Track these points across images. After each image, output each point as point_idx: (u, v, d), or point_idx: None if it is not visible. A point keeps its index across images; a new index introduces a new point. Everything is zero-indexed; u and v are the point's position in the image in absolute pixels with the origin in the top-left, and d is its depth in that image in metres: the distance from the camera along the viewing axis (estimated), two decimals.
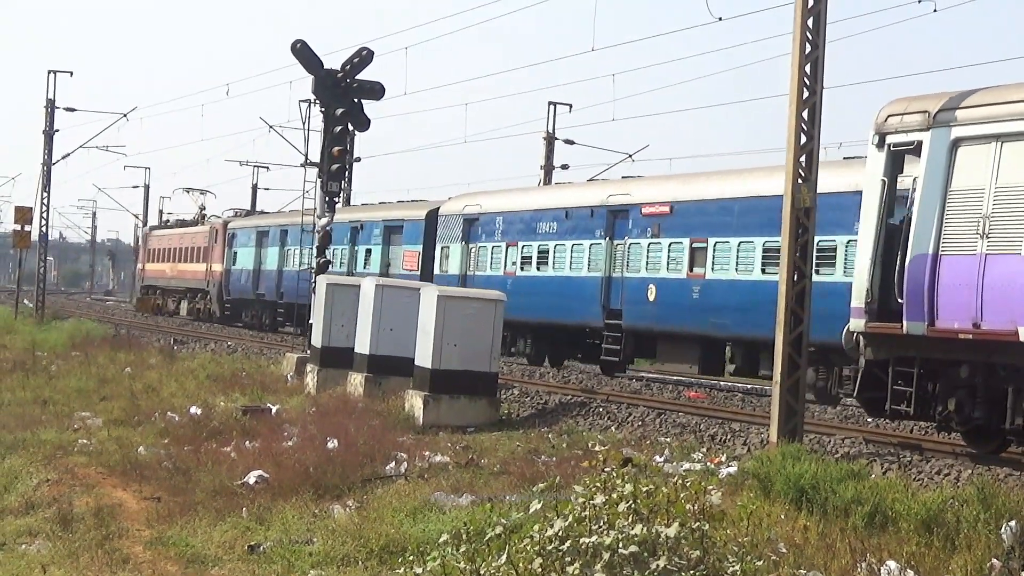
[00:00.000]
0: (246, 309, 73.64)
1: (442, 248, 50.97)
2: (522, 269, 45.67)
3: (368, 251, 57.28)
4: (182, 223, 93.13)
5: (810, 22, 22.35)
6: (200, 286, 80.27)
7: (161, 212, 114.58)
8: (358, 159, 66.12)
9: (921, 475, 19.73)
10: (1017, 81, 22.49)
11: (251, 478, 21.49)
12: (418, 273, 50.66)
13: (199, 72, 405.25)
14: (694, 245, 37.43)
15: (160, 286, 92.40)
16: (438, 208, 52.64)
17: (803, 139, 22.46)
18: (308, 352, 37.26)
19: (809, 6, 22.28)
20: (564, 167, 67.90)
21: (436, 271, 50.29)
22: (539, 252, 44.97)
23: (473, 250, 48.93)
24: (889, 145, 23.56)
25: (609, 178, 51.35)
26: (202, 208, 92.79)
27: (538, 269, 44.89)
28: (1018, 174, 21.24)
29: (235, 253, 74.35)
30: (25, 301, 78.89)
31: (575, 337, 45.07)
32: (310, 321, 37.82)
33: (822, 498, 16.69)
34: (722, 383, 42.04)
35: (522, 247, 45.76)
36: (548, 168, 66.65)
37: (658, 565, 11.72)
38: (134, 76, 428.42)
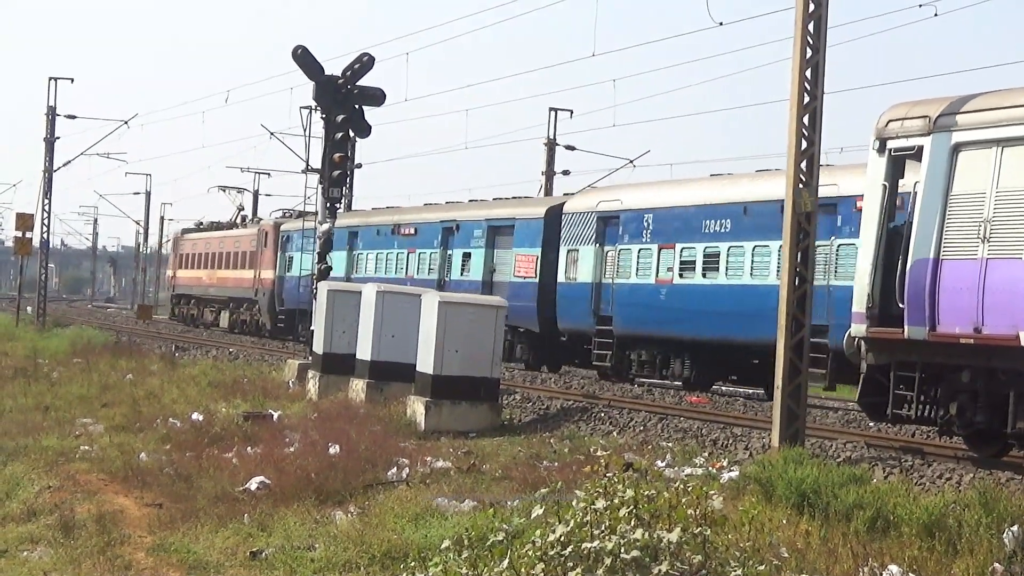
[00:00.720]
0: (305, 321, 54.83)
1: (568, 252, 43.81)
2: (681, 276, 38.64)
3: (466, 255, 50.08)
4: (216, 225, 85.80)
5: (811, 27, 22.35)
6: (245, 295, 72.60)
7: (163, 219, 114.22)
8: (359, 165, 66.10)
9: (923, 479, 19.73)
10: (1018, 86, 22.51)
11: (253, 484, 21.48)
12: (535, 280, 44.72)
13: (200, 79, 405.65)
14: None
15: (195, 295, 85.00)
16: (562, 205, 45.90)
17: (804, 144, 22.46)
18: (310, 358, 37.25)
19: (810, 11, 22.29)
20: (565, 172, 67.91)
21: (561, 278, 43.80)
22: (705, 256, 37.83)
23: (611, 254, 41.68)
24: (890, 150, 23.57)
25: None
26: (240, 208, 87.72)
27: (704, 276, 38.00)
28: (1019, 179, 21.24)
29: (289, 258, 65.82)
30: (27, 308, 78.81)
31: (750, 357, 37.46)
32: (311, 327, 37.83)
33: (824, 503, 16.70)
34: (723, 388, 41.81)
35: (681, 250, 38.82)
36: (549, 174, 66.62)
37: (660, 570, 11.73)
38: (135, 83, 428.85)
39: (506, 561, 12.59)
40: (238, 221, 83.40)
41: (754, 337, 34.15)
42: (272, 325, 67.25)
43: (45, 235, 73.34)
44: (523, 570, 12.30)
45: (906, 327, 22.46)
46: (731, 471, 20.37)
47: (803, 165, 22.45)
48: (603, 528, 12.33)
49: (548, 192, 65.04)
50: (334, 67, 41.12)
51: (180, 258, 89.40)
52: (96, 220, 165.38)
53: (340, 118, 40.54)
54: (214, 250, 79.83)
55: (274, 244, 68.22)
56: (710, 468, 20.94)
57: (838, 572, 14.50)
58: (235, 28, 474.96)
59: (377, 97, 41.41)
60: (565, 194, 49.95)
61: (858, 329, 23.34)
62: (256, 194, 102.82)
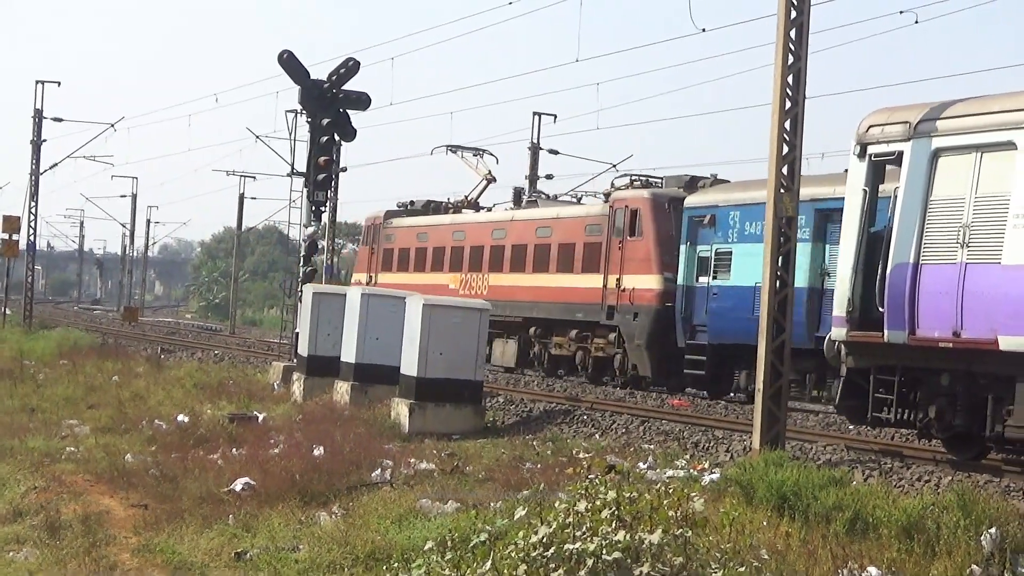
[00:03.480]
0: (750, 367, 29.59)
1: None
2: None
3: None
4: (449, 207, 57.64)
5: (792, 33, 22.38)
6: (577, 314, 44.73)
7: (149, 222, 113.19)
8: (344, 169, 66.08)
9: (902, 482, 19.76)
10: (997, 92, 22.56)
11: (238, 485, 21.49)
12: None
13: (186, 83, 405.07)
14: None
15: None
16: None
17: (785, 149, 22.51)
18: (294, 361, 37.25)
19: (792, 17, 22.33)
20: (549, 176, 67.48)
21: None
22: None
23: None
24: (870, 155, 23.62)
25: None
26: (488, 178, 57.55)
27: None
28: (998, 184, 21.30)
29: (709, 256, 38.85)
30: (11, 310, 78.69)
31: None
32: (295, 330, 37.78)
33: (804, 505, 16.72)
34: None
35: None
36: (533, 178, 66.39)
37: (641, 571, 11.75)
38: (122, 86, 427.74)
39: (489, 562, 12.60)
40: (464, 202, 57.16)
41: None
42: (658, 370, 40.83)
43: (32, 237, 73.16)
44: (506, 571, 12.32)
45: (886, 331, 22.51)
46: (712, 473, 20.39)
47: (784, 170, 22.50)
48: (585, 530, 12.35)
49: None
50: (320, 72, 41.19)
51: (385, 254, 58.25)
52: (82, 223, 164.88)
53: (325, 122, 40.63)
54: (483, 241, 50.86)
55: (657, 231, 41.10)
56: (691, 470, 20.95)
57: (817, 574, 14.54)
58: (222, 32, 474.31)
59: (362, 101, 41.47)
60: None
61: (838, 333, 23.38)
62: (242, 197, 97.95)
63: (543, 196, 54.78)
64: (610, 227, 42.87)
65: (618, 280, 41.94)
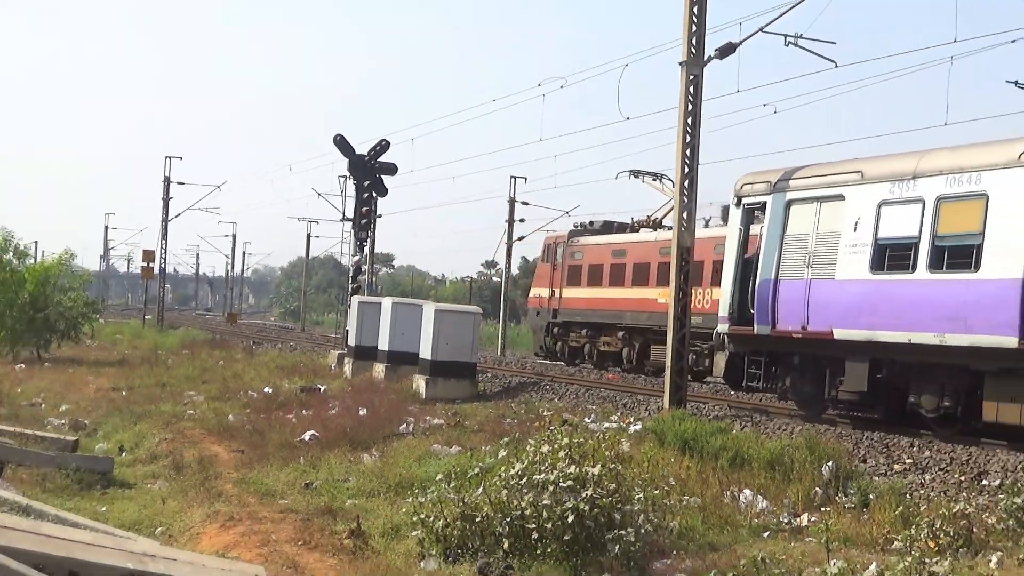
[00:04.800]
0: None
1: None
2: None
3: None
4: (620, 226, 43.02)
5: (689, 120, 22.42)
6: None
7: (244, 253, 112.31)
8: (379, 215, 65.83)
9: (767, 430, 19.75)
10: (830, 160, 22.64)
11: (306, 436, 21.38)
12: None
13: (269, 154, 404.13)
14: None
15: (646, 327, 37.09)
16: None
17: (684, 201, 22.52)
18: (346, 349, 37.16)
19: (688, 109, 22.35)
20: (521, 220, 66.86)
21: None
22: None
23: None
24: (744, 205, 23.69)
25: None
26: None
27: None
28: (832, 224, 21.40)
29: None
30: (149, 316, 78.49)
31: None
32: (347, 328, 37.67)
33: (699, 446, 16.71)
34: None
35: None
36: (511, 221, 65.89)
37: (586, 494, 11.71)
38: (225, 157, 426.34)
39: (480, 488, 12.56)
40: (657, 219, 40.96)
41: None
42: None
43: (163, 265, 72.78)
44: (492, 495, 12.27)
45: (756, 326, 22.56)
46: (636, 425, 20.35)
47: (684, 215, 22.49)
48: (547, 465, 12.31)
49: (509, 237, 63.44)
50: (362, 147, 41.18)
51: (571, 271, 42.72)
52: (198, 254, 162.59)
53: (366, 183, 40.76)
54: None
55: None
56: (621, 423, 20.92)
57: (709, 495, 14.52)
58: (293, 117, 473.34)
59: (392, 169, 41.52)
60: None
61: (723, 328, 23.43)
62: (308, 236, 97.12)
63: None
64: None
65: None
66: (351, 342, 35.32)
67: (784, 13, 23.10)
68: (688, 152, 22.43)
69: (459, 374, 28.29)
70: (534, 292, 45.97)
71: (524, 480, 12.17)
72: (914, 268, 19.46)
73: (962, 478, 15.47)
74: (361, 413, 23.72)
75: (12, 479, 16.46)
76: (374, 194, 41.43)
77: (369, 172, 40.86)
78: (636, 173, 41.30)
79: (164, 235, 72.08)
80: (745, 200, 23.62)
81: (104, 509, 15.83)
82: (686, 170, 22.42)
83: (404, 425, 22.19)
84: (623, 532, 11.52)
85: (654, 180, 40.75)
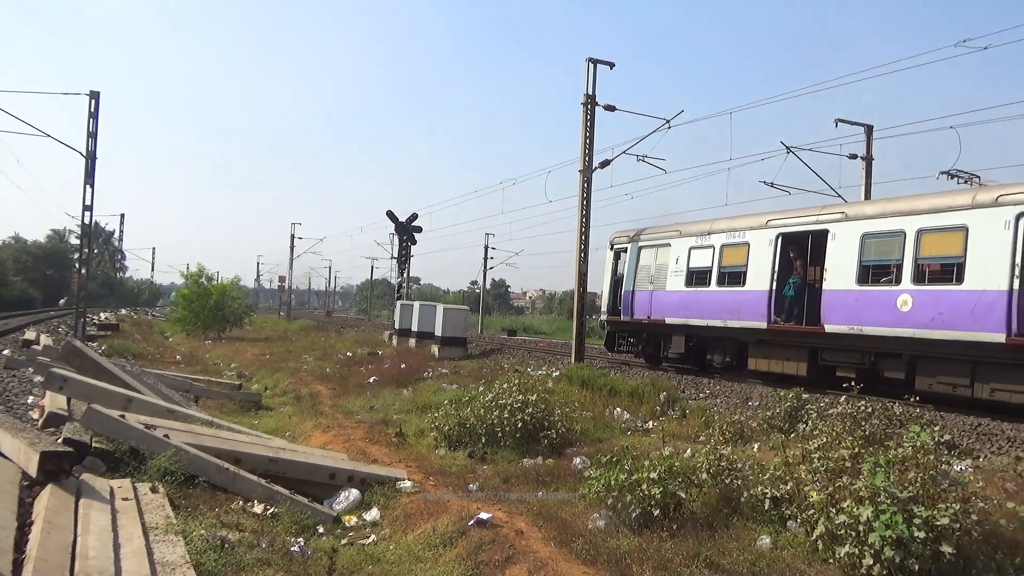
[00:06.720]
0: None
1: None
2: None
3: None
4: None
5: (584, 203, 22.39)
6: None
7: (335, 278, 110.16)
8: (413, 255, 65.43)
9: (630, 374, 19.77)
10: (663, 224, 22.77)
11: (371, 379, 21.15)
12: None
13: (349, 220, 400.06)
14: None
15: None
16: None
17: (582, 256, 22.48)
18: (394, 330, 36.85)
19: (584, 195, 22.32)
20: (492, 257, 64.47)
21: None
22: None
23: None
24: (614, 248, 23.74)
25: None
26: None
27: None
28: (664, 260, 21.47)
29: None
30: (281, 314, 77.65)
31: None
32: (393, 319, 37.30)
33: (592, 384, 16.65)
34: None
35: None
36: (485, 268, 64.09)
37: (529, 411, 11.69)
38: (325, 221, 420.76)
39: (469, 408, 12.50)
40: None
41: None
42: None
43: (290, 284, 72.20)
44: (475, 412, 12.22)
45: (622, 316, 22.58)
46: (555, 372, 20.32)
47: (583, 254, 22.43)
48: (505, 395, 12.29)
49: (485, 264, 61.79)
50: (402, 214, 40.84)
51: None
52: (310, 278, 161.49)
53: (404, 237, 40.33)
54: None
55: None
56: (548, 371, 20.91)
57: (597, 411, 14.46)
58: (362, 194, 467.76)
59: (420, 229, 41.18)
60: None
61: (602, 316, 23.45)
62: (372, 269, 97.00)
63: None
64: None
65: None
66: (396, 327, 34.98)
67: (637, 143, 23.29)
68: (584, 220, 22.47)
69: (457, 344, 27.91)
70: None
71: (493, 403, 12.15)
72: (709, 284, 19.60)
73: (737, 401, 15.57)
74: (402, 367, 23.47)
75: (203, 406, 16.22)
76: (409, 244, 41.19)
77: (406, 231, 40.62)
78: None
79: (290, 267, 71.43)
80: (616, 246, 23.73)
81: (256, 423, 15.56)
82: (583, 229, 22.44)
83: (427, 373, 22.02)
84: (550, 432, 11.52)
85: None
